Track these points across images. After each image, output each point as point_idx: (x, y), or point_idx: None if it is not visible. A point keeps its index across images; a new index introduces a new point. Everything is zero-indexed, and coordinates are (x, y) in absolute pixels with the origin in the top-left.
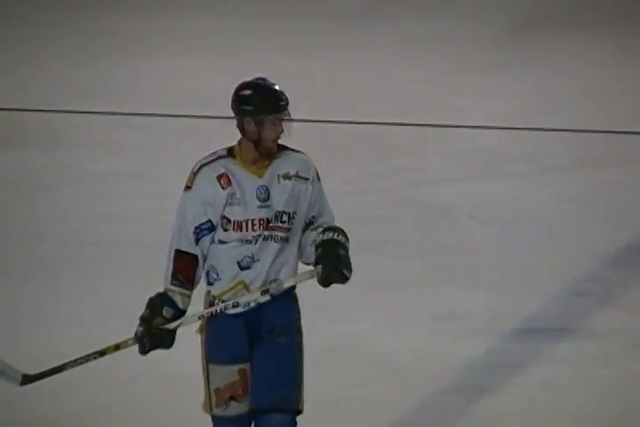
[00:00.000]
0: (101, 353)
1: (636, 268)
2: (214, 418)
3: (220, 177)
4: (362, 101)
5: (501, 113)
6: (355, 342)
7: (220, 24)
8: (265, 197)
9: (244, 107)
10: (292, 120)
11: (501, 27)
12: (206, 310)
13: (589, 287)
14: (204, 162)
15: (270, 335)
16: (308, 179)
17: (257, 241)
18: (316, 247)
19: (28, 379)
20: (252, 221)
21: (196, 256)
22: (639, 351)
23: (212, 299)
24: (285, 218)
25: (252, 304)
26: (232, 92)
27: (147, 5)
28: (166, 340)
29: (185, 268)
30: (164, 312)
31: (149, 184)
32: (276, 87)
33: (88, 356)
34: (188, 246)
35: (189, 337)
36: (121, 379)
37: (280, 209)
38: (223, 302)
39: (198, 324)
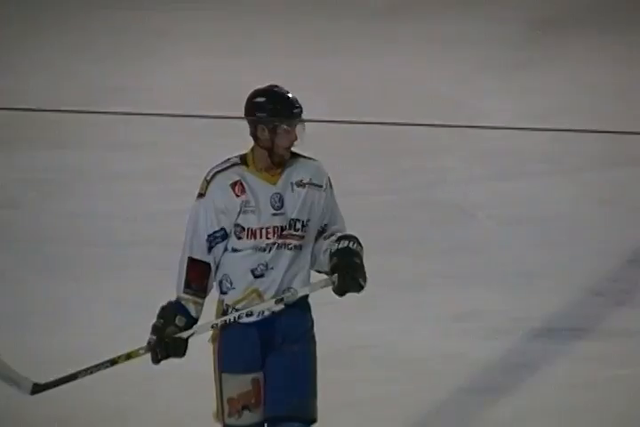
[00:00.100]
0: (113, 362)
1: None
2: None
3: (234, 185)
4: (387, 101)
5: (523, 113)
6: (374, 342)
7: (242, 24)
8: (279, 204)
9: (258, 114)
10: (307, 121)
11: (527, 27)
12: (220, 319)
13: (608, 287)
14: (217, 169)
15: (284, 344)
16: (321, 186)
17: (271, 249)
18: (331, 256)
19: (38, 388)
20: (267, 229)
21: (208, 264)
22: None
23: (225, 308)
24: (299, 226)
25: (266, 313)
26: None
27: (169, 2)
28: (179, 349)
29: (198, 276)
30: (177, 321)
31: (171, 184)
32: (290, 95)
33: (99, 365)
34: (201, 254)
35: (205, 335)
36: (135, 379)
37: (294, 217)
38: (237, 310)
39: (210, 333)
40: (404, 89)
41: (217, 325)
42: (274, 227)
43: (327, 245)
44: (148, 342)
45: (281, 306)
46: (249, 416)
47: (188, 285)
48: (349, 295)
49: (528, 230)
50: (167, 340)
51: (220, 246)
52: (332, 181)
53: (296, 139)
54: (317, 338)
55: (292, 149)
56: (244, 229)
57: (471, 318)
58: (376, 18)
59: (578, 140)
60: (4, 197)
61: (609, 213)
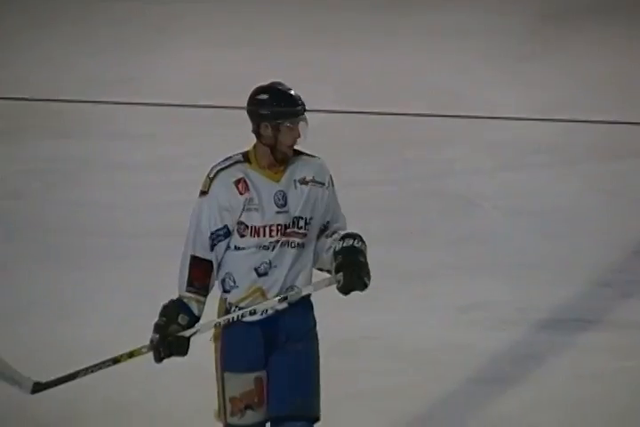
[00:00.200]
0: (115, 361)
1: None
2: None
3: (237, 182)
4: (390, 93)
5: (528, 104)
6: (380, 333)
7: (242, 15)
8: (283, 202)
9: (261, 111)
10: (308, 111)
11: (530, 18)
12: (223, 318)
13: (615, 278)
14: (220, 167)
15: (287, 343)
16: (323, 184)
17: (274, 247)
18: (336, 254)
19: (39, 387)
20: (270, 226)
21: (211, 262)
22: None
23: (227, 306)
24: (302, 223)
25: (270, 311)
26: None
27: None
28: (182, 348)
29: (201, 274)
30: (180, 319)
31: (173, 174)
32: (292, 92)
33: (101, 363)
34: (204, 252)
35: (206, 334)
36: (138, 377)
37: (297, 215)
38: (240, 309)
39: (212, 332)
40: (405, 80)
41: (220, 323)
42: (277, 225)
43: (330, 243)
44: (151, 341)
45: (284, 304)
46: (251, 416)
47: (190, 283)
48: None
49: (534, 221)
50: (170, 338)
51: (223, 244)
52: (335, 171)
53: (299, 136)
54: (323, 330)
55: (295, 146)
56: (247, 226)
57: (478, 308)
58: (376, 9)
59: (582, 131)
60: (7, 187)
61: (616, 204)
